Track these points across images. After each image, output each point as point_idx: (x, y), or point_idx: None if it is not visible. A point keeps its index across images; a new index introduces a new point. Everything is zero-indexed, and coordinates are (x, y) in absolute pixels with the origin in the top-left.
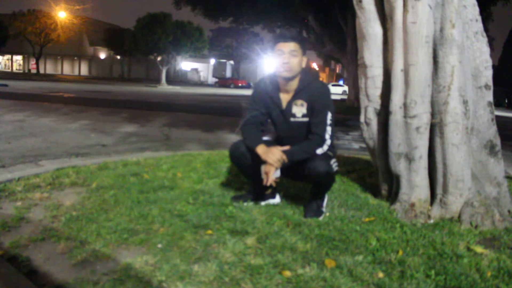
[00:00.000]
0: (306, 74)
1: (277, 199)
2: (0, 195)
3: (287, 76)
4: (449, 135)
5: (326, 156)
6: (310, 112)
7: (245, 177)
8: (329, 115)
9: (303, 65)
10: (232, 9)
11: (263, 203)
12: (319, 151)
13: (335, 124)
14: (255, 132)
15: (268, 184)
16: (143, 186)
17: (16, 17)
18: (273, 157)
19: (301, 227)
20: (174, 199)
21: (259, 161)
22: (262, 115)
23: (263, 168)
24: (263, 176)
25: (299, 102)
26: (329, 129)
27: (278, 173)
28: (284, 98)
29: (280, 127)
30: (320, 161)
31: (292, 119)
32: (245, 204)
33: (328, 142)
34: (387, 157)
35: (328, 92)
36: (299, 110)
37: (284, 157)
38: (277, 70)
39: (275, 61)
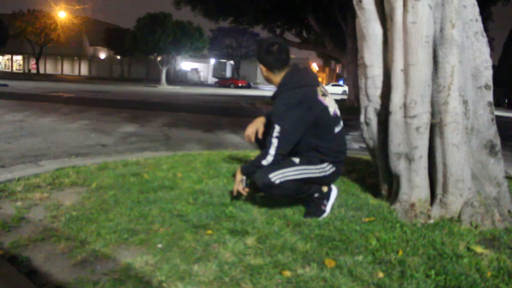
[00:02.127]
0: (282, 83)
1: None
2: (0, 195)
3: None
4: (449, 135)
5: (271, 167)
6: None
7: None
8: (277, 128)
9: (271, 75)
10: (232, 9)
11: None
12: (264, 162)
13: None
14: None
15: (234, 193)
16: (143, 186)
17: (16, 17)
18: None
19: (301, 227)
20: (174, 199)
21: None
22: None
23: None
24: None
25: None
26: (275, 141)
27: (244, 184)
28: None
29: None
30: (259, 173)
31: None
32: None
33: (272, 153)
34: (387, 157)
35: (281, 105)
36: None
37: (239, 170)
38: None
39: None
